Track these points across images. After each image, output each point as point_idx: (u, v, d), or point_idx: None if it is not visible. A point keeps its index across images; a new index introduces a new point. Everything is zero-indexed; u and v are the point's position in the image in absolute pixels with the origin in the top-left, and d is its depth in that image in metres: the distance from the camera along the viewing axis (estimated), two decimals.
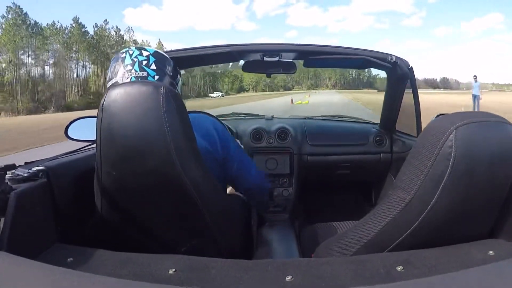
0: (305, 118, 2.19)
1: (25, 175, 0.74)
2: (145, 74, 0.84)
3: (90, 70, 51.95)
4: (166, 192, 0.72)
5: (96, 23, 57.47)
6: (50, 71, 47.73)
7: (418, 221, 0.63)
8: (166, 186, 0.71)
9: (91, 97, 48.13)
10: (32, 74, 44.90)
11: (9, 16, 43.23)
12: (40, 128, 12.56)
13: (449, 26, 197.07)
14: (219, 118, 1.47)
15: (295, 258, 1.07)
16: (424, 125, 0.76)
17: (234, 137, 1.51)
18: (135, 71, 0.84)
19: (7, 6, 43.66)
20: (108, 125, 0.68)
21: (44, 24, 48.53)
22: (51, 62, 47.35)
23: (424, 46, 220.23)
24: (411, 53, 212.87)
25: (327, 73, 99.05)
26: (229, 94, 68.48)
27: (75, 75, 50.56)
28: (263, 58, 1.47)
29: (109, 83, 0.85)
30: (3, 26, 42.90)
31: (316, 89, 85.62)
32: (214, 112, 1.84)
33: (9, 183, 0.69)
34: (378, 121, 1.93)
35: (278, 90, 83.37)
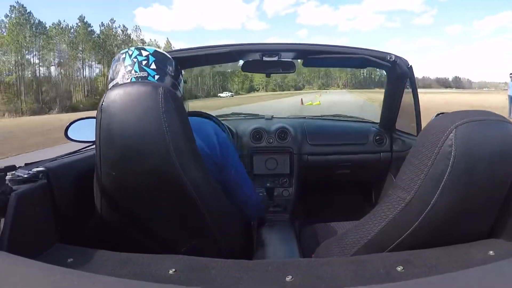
0: (304, 117, 2.20)
1: (25, 176, 0.74)
2: (145, 74, 0.84)
3: (98, 70, 50.93)
4: (166, 192, 0.72)
5: (102, 22, 56.48)
6: (55, 71, 46.66)
7: (418, 220, 0.63)
8: (166, 186, 0.71)
9: (97, 98, 46.93)
10: (36, 74, 44.03)
11: (13, 16, 42.77)
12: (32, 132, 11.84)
13: (461, 24, 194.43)
14: (219, 118, 1.61)
15: (295, 258, 1.06)
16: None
17: (233, 144, 1.53)
18: (135, 71, 0.83)
19: (10, 5, 43.60)
20: (107, 126, 0.68)
21: (50, 24, 47.75)
22: (56, 62, 46.15)
23: (435, 45, 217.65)
24: (422, 52, 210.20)
25: (338, 73, 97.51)
26: (239, 94, 66.95)
27: (81, 75, 49.26)
28: (262, 58, 1.47)
29: (110, 84, 0.85)
30: (7, 26, 42.59)
31: (327, 89, 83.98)
32: (215, 112, 1.82)
33: (9, 184, 0.69)
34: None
35: (289, 90, 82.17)
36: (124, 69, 0.84)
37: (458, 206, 0.61)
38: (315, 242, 1.09)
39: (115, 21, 57.74)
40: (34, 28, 44.57)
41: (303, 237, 1.29)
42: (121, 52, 0.87)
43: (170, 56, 0.91)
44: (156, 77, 0.85)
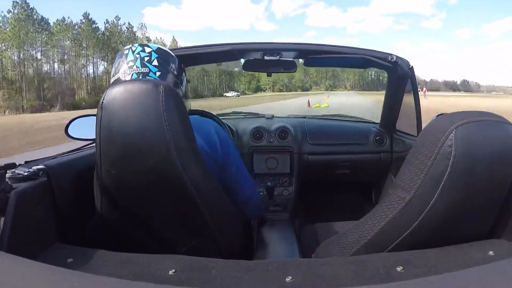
0: (305, 117, 2.19)
1: (25, 174, 0.73)
2: (146, 70, 0.83)
3: (102, 68, 49.80)
4: (166, 190, 0.72)
5: (107, 19, 55.41)
6: (57, 68, 45.46)
7: (418, 220, 0.63)
8: (166, 185, 0.71)
9: (101, 95, 45.51)
10: (38, 71, 42.68)
11: (15, 11, 41.97)
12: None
13: (470, 28, 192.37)
14: (220, 117, 1.60)
15: (295, 258, 1.06)
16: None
17: (234, 143, 1.52)
18: (137, 67, 0.83)
19: (13, 1, 43.07)
20: (107, 124, 0.68)
21: (55, 20, 46.83)
22: (58, 58, 45.00)
23: (443, 48, 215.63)
24: (430, 55, 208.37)
25: (345, 74, 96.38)
26: (245, 94, 65.54)
27: (84, 73, 48.20)
28: (264, 57, 1.47)
29: (112, 79, 0.85)
30: (10, 21, 42.31)
31: (334, 90, 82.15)
32: (217, 112, 1.84)
33: (9, 182, 0.68)
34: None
35: (296, 91, 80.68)
36: (126, 65, 0.84)
37: (458, 206, 0.61)
38: (315, 241, 1.10)
39: (120, 18, 56.81)
40: (36, 24, 44.03)
41: (303, 236, 1.28)
42: (125, 48, 0.88)
43: (173, 54, 0.91)
44: (158, 73, 0.85)
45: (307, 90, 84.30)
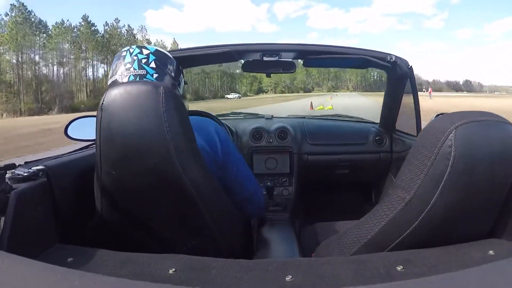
0: (304, 117, 2.20)
1: (25, 174, 0.73)
2: (143, 72, 0.83)
3: (102, 70, 49.20)
4: (166, 191, 0.72)
5: (106, 22, 54.81)
6: (56, 70, 44.81)
7: (418, 220, 0.63)
8: (166, 186, 0.71)
9: (99, 98, 44.87)
10: (37, 74, 42.14)
11: (13, 14, 41.66)
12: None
13: (472, 27, 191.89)
14: (219, 118, 1.64)
15: (295, 258, 1.06)
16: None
17: (234, 142, 1.51)
18: (134, 69, 0.83)
19: (11, 4, 42.59)
20: (107, 125, 0.68)
21: (54, 23, 46.40)
22: (57, 61, 44.35)
23: (445, 48, 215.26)
24: (432, 55, 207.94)
25: (348, 75, 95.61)
26: (247, 96, 64.80)
27: (83, 75, 47.48)
28: (263, 58, 1.47)
29: (109, 81, 0.85)
30: (7, 24, 42.23)
31: (337, 91, 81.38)
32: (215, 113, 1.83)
33: (9, 182, 0.69)
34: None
35: (298, 92, 79.91)
36: (123, 67, 0.83)
37: (457, 206, 0.61)
38: (315, 241, 1.10)
39: (119, 20, 56.30)
40: (34, 27, 43.61)
41: (303, 236, 1.28)
42: (123, 50, 0.87)
43: (171, 56, 0.90)
44: (155, 75, 0.84)
45: (309, 91, 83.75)
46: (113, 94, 0.68)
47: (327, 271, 0.56)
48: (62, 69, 46.39)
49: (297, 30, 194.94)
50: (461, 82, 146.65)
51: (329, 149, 1.83)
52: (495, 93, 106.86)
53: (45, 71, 45.09)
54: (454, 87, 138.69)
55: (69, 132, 1.08)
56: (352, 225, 0.80)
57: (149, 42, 57.13)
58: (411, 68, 1.45)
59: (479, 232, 0.68)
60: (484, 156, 0.58)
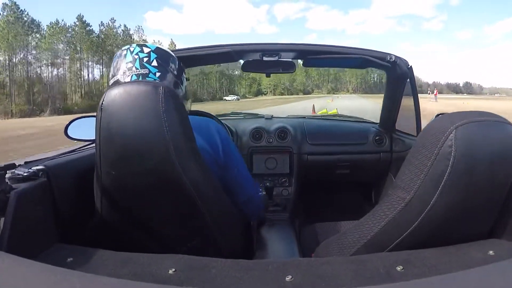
0: (304, 117, 2.19)
1: (25, 174, 0.73)
2: (146, 71, 0.83)
3: (98, 71, 48.10)
4: (166, 191, 0.72)
5: (102, 21, 53.94)
6: (49, 71, 43.61)
7: (418, 220, 0.63)
8: (166, 186, 0.71)
9: (94, 100, 43.98)
10: (29, 75, 40.99)
11: (5, 13, 40.81)
12: None
13: (472, 29, 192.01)
14: (219, 118, 1.64)
15: (295, 258, 1.07)
16: None
17: (235, 143, 1.53)
18: (136, 68, 0.82)
19: (3, 3, 41.90)
20: (107, 125, 0.68)
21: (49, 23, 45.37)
22: (50, 61, 43.28)
23: (445, 50, 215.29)
24: (432, 57, 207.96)
25: (347, 77, 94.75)
26: (246, 97, 63.81)
27: (77, 76, 46.18)
28: (263, 58, 1.47)
29: (111, 81, 0.85)
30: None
31: (336, 93, 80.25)
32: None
33: (9, 182, 0.69)
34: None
35: (297, 94, 79.08)
36: (125, 66, 0.83)
37: (457, 206, 0.61)
38: (315, 241, 1.10)
39: (115, 20, 55.32)
40: (26, 26, 42.62)
41: (303, 236, 1.28)
42: (123, 48, 0.86)
43: (173, 54, 0.90)
44: (158, 74, 0.84)
45: (309, 93, 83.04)
46: (113, 94, 0.68)
47: (327, 271, 0.56)
48: (56, 70, 45.45)
49: (296, 31, 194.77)
50: (461, 84, 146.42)
51: (329, 149, 1.83)
52: (496, 95, 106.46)
53: (38, 72, 44.22)
54: (454, 89, 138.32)
55: (69, 132, 1.08)
56: (352, 225, 0.80)
57: (146, 43, 56.28)
58: (411, 68, 1.45)
59: (479, 232, 0.68)
60: (484, 156, 0.58)
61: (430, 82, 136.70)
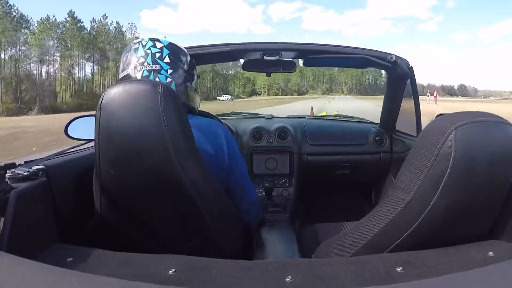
0: (304, 117, 2.19)
1: (25, 174, 0.74)
2: (158, 68, 0.82)
3: (90, 69, 47.13)
4: (165, 191, 0.72)
5: (93, 18, 53.02)
6: (38, 68, 42.67)
7: (418, 221, 0.63)
8: (165, 185, 0.71)
9: (84, 98, 43.09)
10: (18, 71, 40.05)
11: None
12: None
13: (466, 31, 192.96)
14: (219, 117, 1.59)
15: (295, 259, 1.07)
16: None
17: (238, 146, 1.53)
18: (148, 64, 0.81)
19: None
20: (106, 124, 0.68)
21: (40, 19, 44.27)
22: (39, 58, 42.30)
23: (440, 52, 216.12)
24: (427, 59, 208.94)
25: (343, 78, 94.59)
26: (240, 97, 63.38)
27: (67, 74, 45.25)
28: (263, 57, 1.46)
29: (121, 75, 0.84)
30: None
31: (331, 94, 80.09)
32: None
33: (9, 182, 0.69)
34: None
35: (292, 94, 78.69)
36: (136, 60, 0.82)
37: (457, 207, 0.61)
38: (315, 242, 1.10)
39: (107, 17, 54.37)
40: (15, 22, 41.42)
41: (303, 237, 1.28)
42: (134, 42, 0.85)
43: (184, 49, 0.89)
44: (170, 71, 0.83)
45: (303, 94, 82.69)
46: (112, 93, 0.68)
47: (327, 272, 0.56)
48: (45, 67, 44.47)
49: (292, 32, 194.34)
50: (455, 87, 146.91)
51: (329, 150, 1.82)
52: (490, 98, 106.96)
53: (27, 69, 43.14)
54: (449, 91, 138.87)
55: (69, 131, 1.09)
56: (352, 226, 0.80)
57: None
58: (411, 68, 1.45)
59: (479, 233, 0.67)
60: (484, 157, 0.58)
61: (425, 84, 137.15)
